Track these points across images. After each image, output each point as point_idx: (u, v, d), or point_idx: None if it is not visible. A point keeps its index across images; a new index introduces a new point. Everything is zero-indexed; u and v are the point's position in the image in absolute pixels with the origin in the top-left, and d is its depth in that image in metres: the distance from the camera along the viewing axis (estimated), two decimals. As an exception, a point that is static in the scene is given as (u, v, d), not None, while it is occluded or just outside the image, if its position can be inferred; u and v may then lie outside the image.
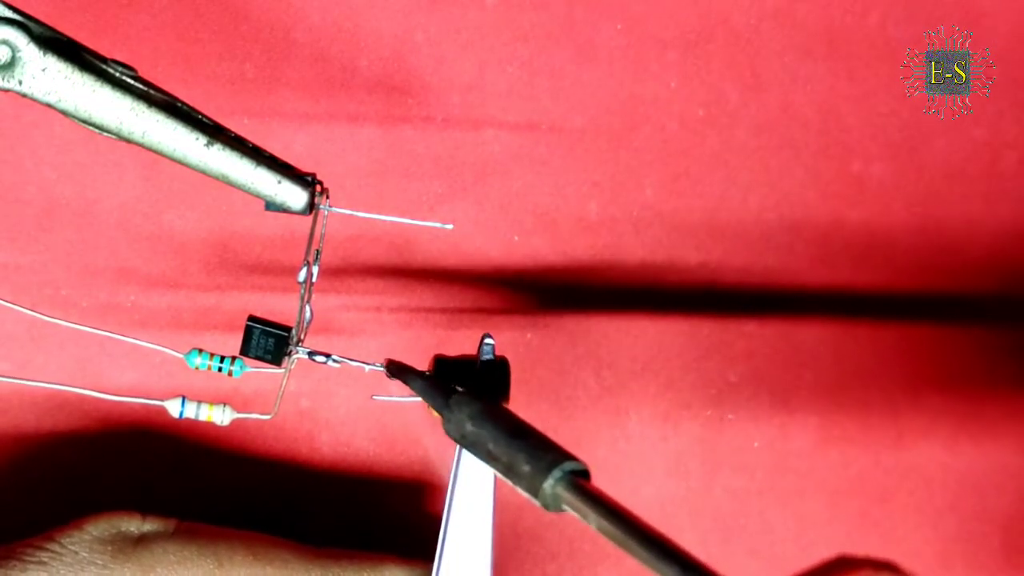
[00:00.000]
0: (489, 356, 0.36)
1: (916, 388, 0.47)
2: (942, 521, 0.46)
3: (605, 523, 0.24)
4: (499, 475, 0.28)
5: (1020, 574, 0.47)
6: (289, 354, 0.36)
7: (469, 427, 0.29)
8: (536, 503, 0.26)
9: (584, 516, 0.25)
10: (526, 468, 0.27)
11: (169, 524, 0.37)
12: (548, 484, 0.26)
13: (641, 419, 0.45)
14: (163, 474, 0.43)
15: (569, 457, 0.26)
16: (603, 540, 0.45)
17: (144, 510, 0.38)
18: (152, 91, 0.32)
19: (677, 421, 0.45)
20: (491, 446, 0.28)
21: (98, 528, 0.36)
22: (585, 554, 0.45)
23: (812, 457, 0.46)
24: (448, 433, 0.30)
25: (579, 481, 0.26)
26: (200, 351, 0.37)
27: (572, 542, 0.45)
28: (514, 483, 0.27)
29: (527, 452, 0.27)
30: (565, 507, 0.26)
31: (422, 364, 0.36)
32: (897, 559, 0.48)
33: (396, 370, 0.36)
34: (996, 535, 0.46)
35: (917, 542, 0.46)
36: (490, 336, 0.36)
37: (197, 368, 0.37)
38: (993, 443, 0.47)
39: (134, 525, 0.37)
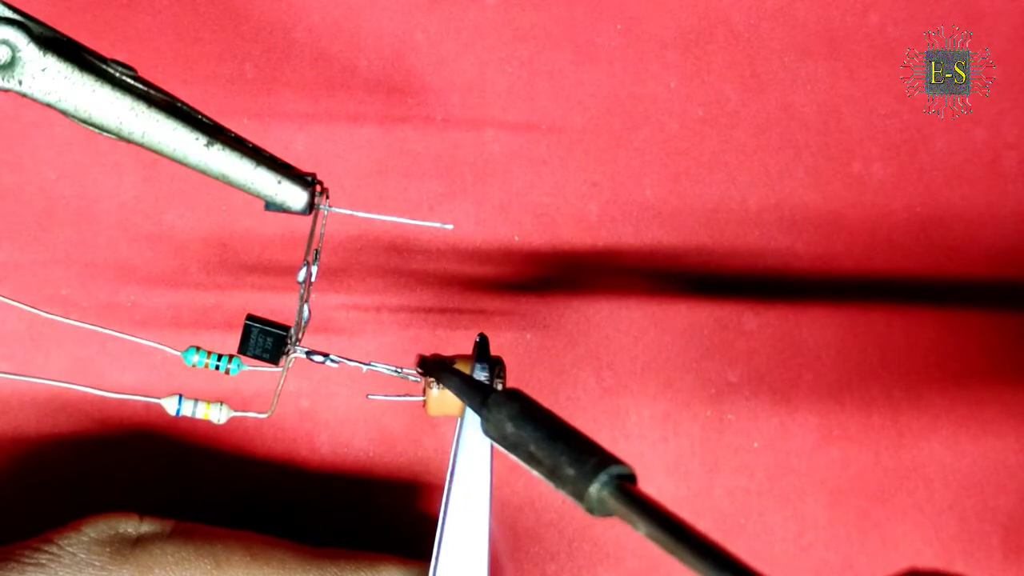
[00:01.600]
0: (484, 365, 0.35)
1: (917, 388, 0.47)
2: (942, 521, 0.46)
3: (655, 530, 0.23)
4: (541, 478, 0.27)
5: (1021, 574, 0.47)
6: (287, 353, 0.36)
7: (510, 428, 0.28)
8: (581, 507, 0.25)
9: (632, 523, 0.24)
10: (570, 471, 0.26)
11: (166, 525, 0.37)
12: (594, 488, 0.25)
13: (641, 419, 0.45)
14: (163, 475, 0.43)
15: (615, 460, 0.26)
16: (603, 540, 0.45)
17: (144, 511, 0.38)
18: (152, 91, 0.32)
19: (677, 421, 0.45)
20: (533, 448, 0.27)
21: (96, 529, 0.36)
22: (584, 554, 0.45)
23: (812, 457, 0.46)
24: (486, 433, 0.29)
25: (626, 486, 0.25)
26: (197, 349, 0.37)
27: (571, 542, 0.45)
28: (557, 486, 0.26)
29: (571, 455, 0.26)
30: (611, 513, 0.25)
31: (422, 364, 0.36)
32: (897, 559, 0.48)
33: (430, 367, 0.35)
34: (996, 535, 0.46)
35: (917, 542, 0.46)
36: (484, 336, 0.36)
37: (194, 366, 0.37)
38: (994, 442, 0.47)
39: (131, 526, 0.37)
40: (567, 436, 0.27)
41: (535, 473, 0.27)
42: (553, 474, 0.26)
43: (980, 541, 0.46)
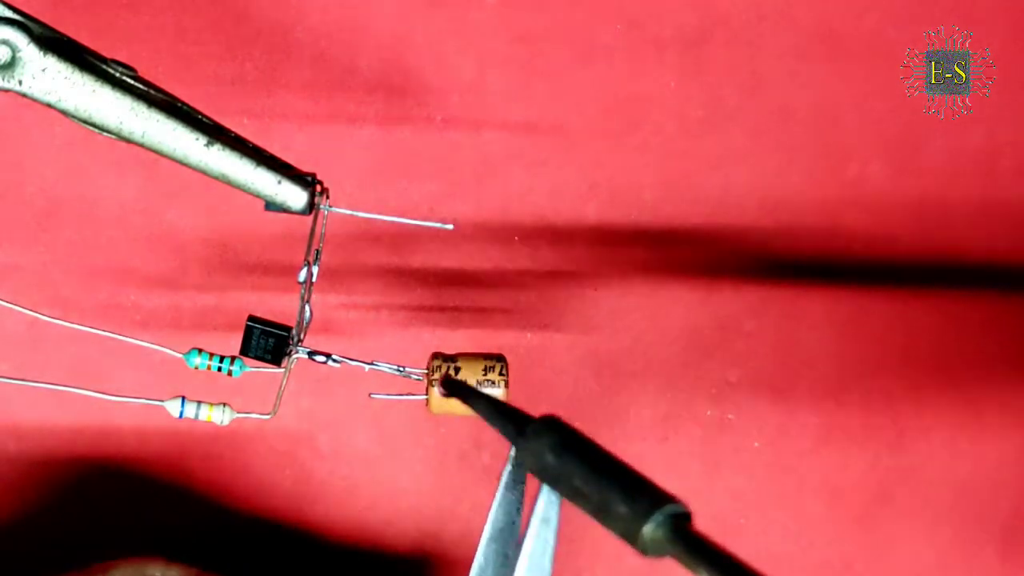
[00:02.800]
0: None
1: (916, 389, 0.47)
2: (942, 521, 0.46)
3: None
4: (586, 513, 0.25)
5: (1019, 574, 0.47)
6: (289, 354, 0.36)
7: (550, 459, 0.26)
8: (633, 548, 0.24)
9: (692, 568, 0.23)
10: (622, 509, 0.24)
11: (191, 572, 0.38)
12: (648, 529, 0.24)
13: (641, 419, 0.45)
14: (165, 481, 0.43)
15: (670, 499, 0.24)
16: (603, 540, 0.45)
17: (145, 515, 0.38)
18: (152, 91, 0.32)
19: (677, 421, 0.45)
20: (577, 482, 0.25)
21: (124, 574, 0.37)
22: (586, 554, 0.45)
23: (812, 457, 0.46)
24: (521, 464, 0.27)
25: (684, 526, 0.24)
26: (200, 351, 0.37)
27: (572, 543, 0.45)
28: (605, 523, 0.25)
29: (622, 492, 0.25)
30: (667, 554, 0.23)
31: (420, 364, 0.36)
32: (897, 558, 0.48)
33: (454, 388, 0.33)
34: (995, 535, 0.46)
35: (917, 542, 0.46)
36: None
37: (197, 368, 0.37)
38: (993, 444, 0.47)
39: (159, 571, 0.38)
40: (615, 471, 0.26)
41: (578, 507, 0.26)
42: (601, 511, 0.25)
43: (979, 541, 0.46)
